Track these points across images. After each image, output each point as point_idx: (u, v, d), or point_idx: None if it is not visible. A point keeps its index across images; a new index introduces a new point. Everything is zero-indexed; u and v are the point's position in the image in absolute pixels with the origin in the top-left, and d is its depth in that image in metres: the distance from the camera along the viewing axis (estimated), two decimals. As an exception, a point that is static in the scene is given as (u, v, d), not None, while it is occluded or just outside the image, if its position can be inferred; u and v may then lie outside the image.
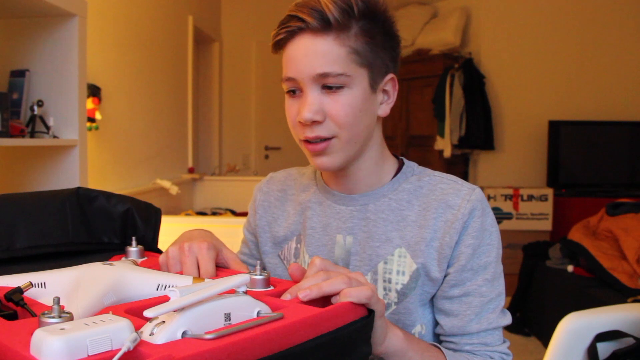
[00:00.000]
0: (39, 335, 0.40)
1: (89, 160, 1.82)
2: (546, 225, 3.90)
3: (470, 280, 0.79)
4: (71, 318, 0.44)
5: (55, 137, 1.67)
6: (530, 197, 3.91)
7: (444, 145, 4.33)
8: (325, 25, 0.73)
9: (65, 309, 0.46)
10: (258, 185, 0.99)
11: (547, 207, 3.91)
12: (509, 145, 4.53)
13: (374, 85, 0.78)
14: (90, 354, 0.39)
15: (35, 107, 1.63)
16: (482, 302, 0.79)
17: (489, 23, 4.57)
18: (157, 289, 0.61)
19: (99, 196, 0.80)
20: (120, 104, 2.58)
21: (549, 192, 3.93)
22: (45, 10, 1.61)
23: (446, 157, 4.30)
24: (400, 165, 0.87)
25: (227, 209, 3.49)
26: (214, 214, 3.38)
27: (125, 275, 0.61)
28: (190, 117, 3.78)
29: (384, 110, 0.82)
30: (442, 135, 4.36)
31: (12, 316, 0.51)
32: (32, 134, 1.63)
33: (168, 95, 3.38)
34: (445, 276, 0.80)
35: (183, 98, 3.69)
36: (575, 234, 3.12)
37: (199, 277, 0.66)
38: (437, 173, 0.85)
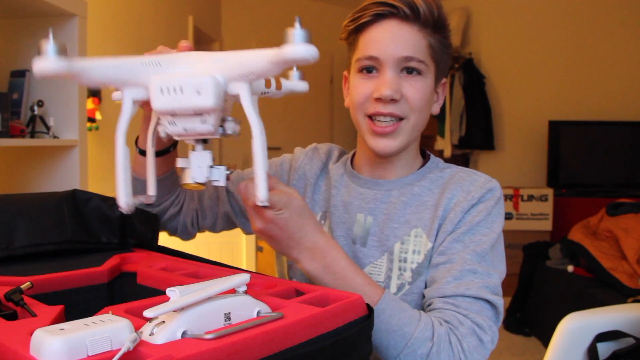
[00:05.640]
0: (38, 335, 0.40)
1: (89, 160, 1.81)
2: (546, 225, 3.90)
3: (458, 251, 0.78)
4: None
5: (55, 137, 1.67)
6: (531, 197, 3.91)
7: (444, 145, 4.33)
8: (414, 15, 0.80)
9: None
10: (301, 149, 1.01)
11: (547, 207, 3.91)
12: (509, 145, 4.52)
13: (436, 82, 0.86)
14: (90, 354, 0.39)
15: (36, 107, 1.63)
16: (464, 268, 0.75)
17: (489, 23, 4.57)
18: None
19: (94, 197, 0.81)
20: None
21: (549, 192, 3.93)
22: (45, 10, 1.61)
23: (446, 157, 4.30)
24: (427, 159, 0.92)
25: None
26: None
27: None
28: (190, 117, 3.77)
29: (435, 109, 0.89)
30: (442, 135, 4.36)
31: (12, 316, 0.51)
32: (32, 134, 1.63)
33: (168, 95, 3.37)
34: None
35: (183, 98, 3.68)
36: (576, 234, 3.12)
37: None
38: (459, 167, 0.90)
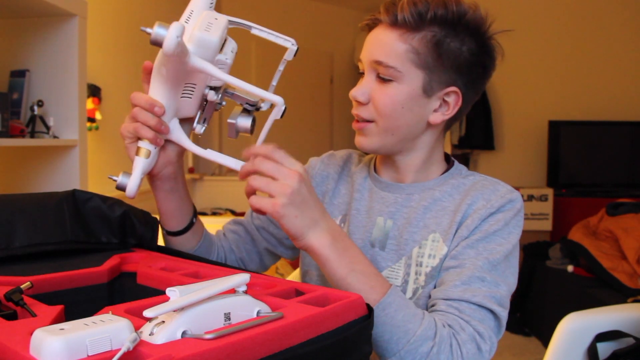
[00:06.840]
0: (38, 335, 0.40)
1: (89, 160, 1.81)
2: (546, 225, 3.90)
3: (470, 257, 0.78)
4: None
5: (55, 137, 1.67)
6: (531, 197, 3.91)
7: (444, 145, 4.33)
8: (394, 22, 0.81)
9: None
10: (316, 158, 1.02)
11: (547, 207, 3.91)
12: (509, 145, 4.52)
13: (428, 89, 0.82)
14: (90, 354, 0.39)
15: (35, 107, 1.63)
16: (474, 275, 0.75)
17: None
18: None
19: (93, 197, 0.81)
20: (120, 104, 2.58)
21: (549, 192, 3.93)
22: (45, 10, 1.61)
23: (446, 157, 4.30)
24: (451, 165, 0.92)
25: (227, 209, 3.49)
26: (214, 214, 3.38)
27: None
28: (190, 117, 3.77)
29: (436, 118, 0.85)
30: (442, 135, 4.36)
31: (12, 316, 0.51)
32: (32, 134, 1.63)
33: (168, 95, 3.37)
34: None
35: (183, 98, 3.68)
36: (576, 234, 3.12)
37: None
38: (483, 175, 0.89)
